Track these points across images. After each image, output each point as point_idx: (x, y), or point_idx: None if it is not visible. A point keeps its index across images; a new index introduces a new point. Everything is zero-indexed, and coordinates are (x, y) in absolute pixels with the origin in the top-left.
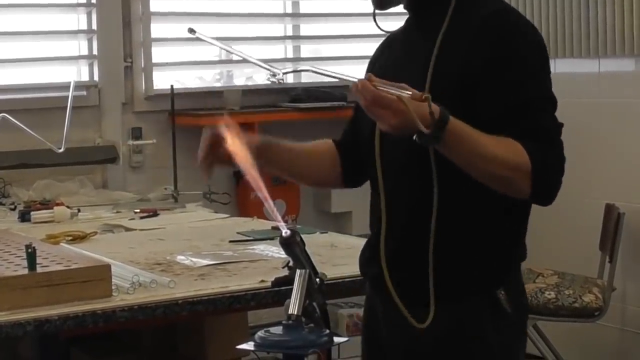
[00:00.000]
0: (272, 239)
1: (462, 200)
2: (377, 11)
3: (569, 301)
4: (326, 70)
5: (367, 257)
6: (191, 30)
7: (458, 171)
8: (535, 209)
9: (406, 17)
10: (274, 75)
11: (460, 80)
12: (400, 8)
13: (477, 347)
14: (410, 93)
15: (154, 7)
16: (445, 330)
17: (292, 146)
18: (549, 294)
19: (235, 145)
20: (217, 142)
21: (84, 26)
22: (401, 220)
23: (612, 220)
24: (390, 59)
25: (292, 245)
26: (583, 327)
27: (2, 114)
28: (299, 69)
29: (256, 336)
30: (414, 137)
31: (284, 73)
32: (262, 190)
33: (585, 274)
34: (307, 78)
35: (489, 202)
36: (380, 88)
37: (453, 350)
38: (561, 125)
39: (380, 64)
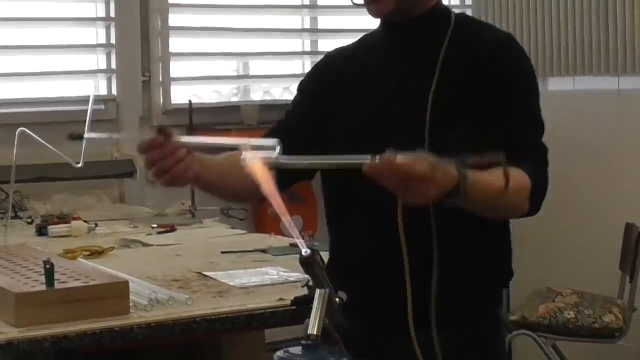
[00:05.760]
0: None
1: (462, 229)
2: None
3: (589, 321)
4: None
5: (365, 284)
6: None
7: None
8: (555, 230)
9: None
10: None
11: (464, 104)
12: None
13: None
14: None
15: (173, 22)
16: (457, 350)
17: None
18: (569, 314)
19: (254, 162)
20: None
21: (103, 40)
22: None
23: (633, 239)
24: (372, 77)
25: (312, 264)
26: (603, 348)
27: (21, 128)
28: None
29: (275, 356)
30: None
31: None
32: (281, 208)
33: (606, 294)
34: None
35: (488, 228)
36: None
37: None
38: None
39: (353, 80)
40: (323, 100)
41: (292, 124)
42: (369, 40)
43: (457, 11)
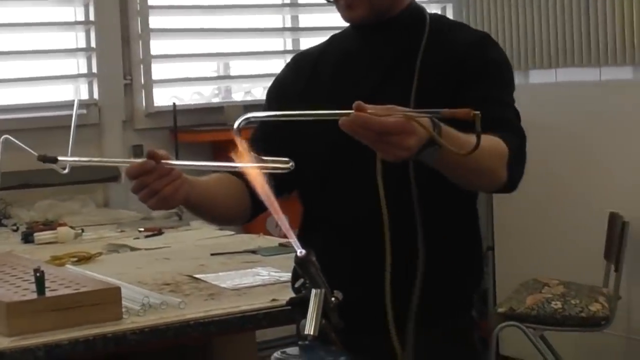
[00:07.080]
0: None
1: (444, 221)
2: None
3: (576, 311)
4: None
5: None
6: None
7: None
8: (540, 221)
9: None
10: None
11: (443, 104)
12: None
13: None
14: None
15: (153, 24)
16: (434, 351)
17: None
18: (555, 304)
19: (245, 162)
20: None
21: (82, 44)
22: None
23: (617, 229)
24: (347, 77)
25: (307, 264)
26: (590, 337)
27: (5, 136)
28: None
29: (272, 357)
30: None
31: None
32: (275, 207)
33: (591, 283)
34: None
35: (466, 218)
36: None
37: None
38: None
39: (327, 79)
40: (296, 101)
41: (267, 132)
42: (338, 39)
43: (437, 6)
